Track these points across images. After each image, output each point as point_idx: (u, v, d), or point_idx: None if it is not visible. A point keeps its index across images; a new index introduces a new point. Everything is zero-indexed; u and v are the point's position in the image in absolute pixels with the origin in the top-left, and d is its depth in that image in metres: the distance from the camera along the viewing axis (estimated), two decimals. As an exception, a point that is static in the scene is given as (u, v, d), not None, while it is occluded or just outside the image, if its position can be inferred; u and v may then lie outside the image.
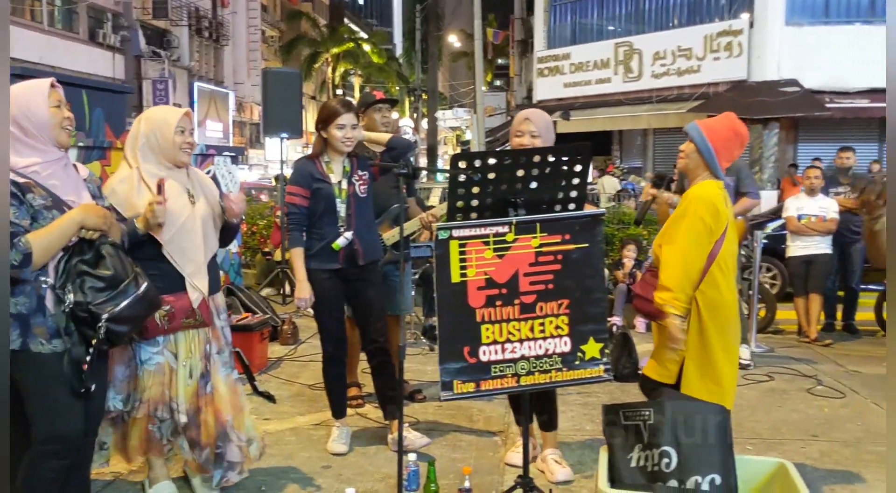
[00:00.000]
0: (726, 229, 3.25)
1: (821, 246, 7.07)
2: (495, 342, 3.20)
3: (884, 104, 15.37)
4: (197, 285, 3.33)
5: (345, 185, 4.05)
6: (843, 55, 15.52)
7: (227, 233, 3.56)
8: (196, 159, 6.80)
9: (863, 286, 7.65)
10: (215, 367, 3.45)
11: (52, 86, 2.78)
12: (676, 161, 3.49)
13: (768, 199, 13.01)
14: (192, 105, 28.70)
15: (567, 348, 3.25)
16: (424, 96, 31.79)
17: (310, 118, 28.01)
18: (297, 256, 4.02)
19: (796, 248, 7.17)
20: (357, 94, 40.89)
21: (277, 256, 8.34)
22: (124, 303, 2.70)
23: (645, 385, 3.50)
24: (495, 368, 3.20)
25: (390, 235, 4.69)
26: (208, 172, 7.13)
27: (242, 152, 30.46)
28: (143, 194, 3.21)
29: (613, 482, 2.73)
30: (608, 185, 18.11)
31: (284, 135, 8.41)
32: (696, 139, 3.36)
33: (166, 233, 3.22)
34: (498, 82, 41.58)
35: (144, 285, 2.78)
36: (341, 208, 4.02)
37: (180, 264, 3.28)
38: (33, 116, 2.69)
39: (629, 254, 7.82)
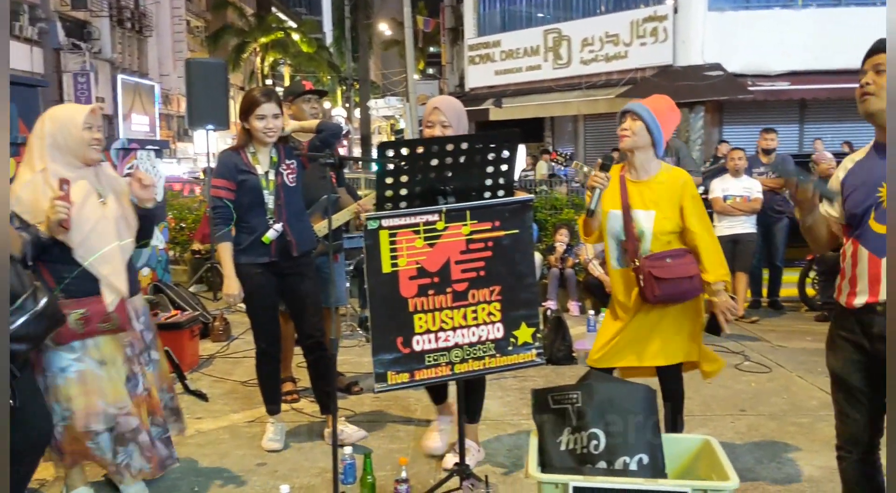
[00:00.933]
0: None
1: (746, 226, 7.26)
2: (428, 332, 3.18)
3: (803, 86, 15.95)
4: (116, 286, 3.21)
5: (272, 175, 3.96)
6: (764, 39, 15.96)
7: (143, 223, 3.42)
8: (118, 154, 6.60)
9: (787, 263, 7.91)
10: (142, 368, 3.35)
11: None
12: (621, 140, 3.49)
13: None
14: (115, 99, 27.87)
15: (500, 335, 3.27)
16: (356, 85, 31.50)
17: (237, 108, 27.35)
18: (225, 250, 3.92)
19: (723, 228, 7.34)
20: (287, 83, 40.28)
21: (207, 249, 8.17)
22: (21, 320, 2.53)
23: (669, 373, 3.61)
24: (429, 357, 3.19)
25: (322, 226, 4.63)
26: (131, 167, 6.96)
27: (167, 146, 29.65)
28: (47, 197, 3.04)
29: (544, 466, 2.74)
30: (542, 170, 18.37)
31: (210, 127, 8.24)
32: (647, 117, 3.43)
33: (77, 236, 3.09)
34: (430, 70, 41.46)
35: (44, 301, 2.62)
36: (269, 200, 3.93)
37: (96, 266, 3.16)
38: None
39: (561, 239, 7.91)
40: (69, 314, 3.05)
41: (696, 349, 3.57)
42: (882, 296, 2.47)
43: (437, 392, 3.95)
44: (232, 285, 3.89)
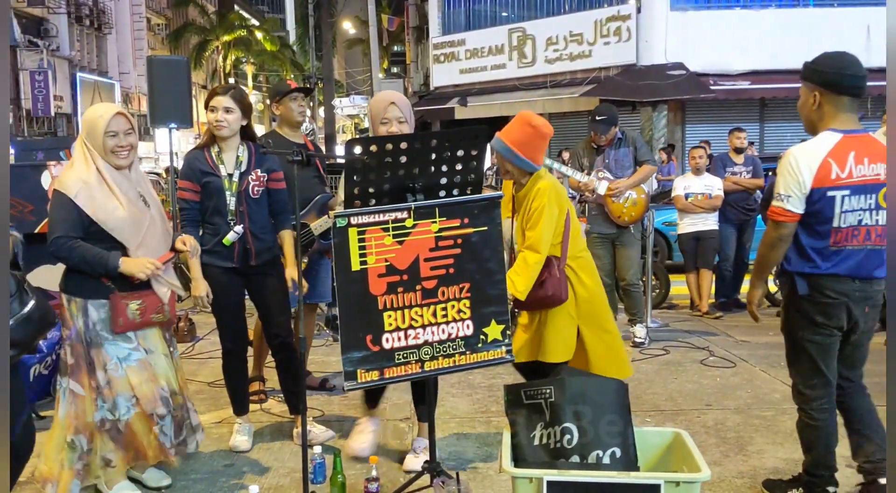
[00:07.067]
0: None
1: (708, 222, 7.35)
2: (398, 329, 3.17)
3: (763, 85, 16.21)
4: (170, 281, 3.40)
5: (236, 177, 3.91)
6: (725, 39, 16.20)
7: None
8: (79, 152, 6.49)
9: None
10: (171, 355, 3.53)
11: None
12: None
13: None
14: (74, 97, 27.38)
15: (469, 332, 3.26)
16: (320, 84, 31.33)
17: (201, 107, 26.94)
18: None
19: (685, 225, 7.43)
20: (250, 82, 39.92)
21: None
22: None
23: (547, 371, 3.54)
24: (399, 355, 3.18)
25: (317, 225, 4.66)
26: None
27: (129, 144, 29.15)
28: (108, 196, 3.23)
29: (517, 461, 2.75)
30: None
31: (173, 125, 8.10)
32: (502, 150, 3.54)
33: (134, 240, 3.28)
34: (395, 69, 41.40)
35: (31, 304, 2.59)
36: (231, 201, 3.89)
37: None
38: None
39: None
40: (128, 304, 3.25)
41: (567, 350, 3.58)
42: None
43: (373, 397, 3.93)
44: (200, 287, 3.83)
